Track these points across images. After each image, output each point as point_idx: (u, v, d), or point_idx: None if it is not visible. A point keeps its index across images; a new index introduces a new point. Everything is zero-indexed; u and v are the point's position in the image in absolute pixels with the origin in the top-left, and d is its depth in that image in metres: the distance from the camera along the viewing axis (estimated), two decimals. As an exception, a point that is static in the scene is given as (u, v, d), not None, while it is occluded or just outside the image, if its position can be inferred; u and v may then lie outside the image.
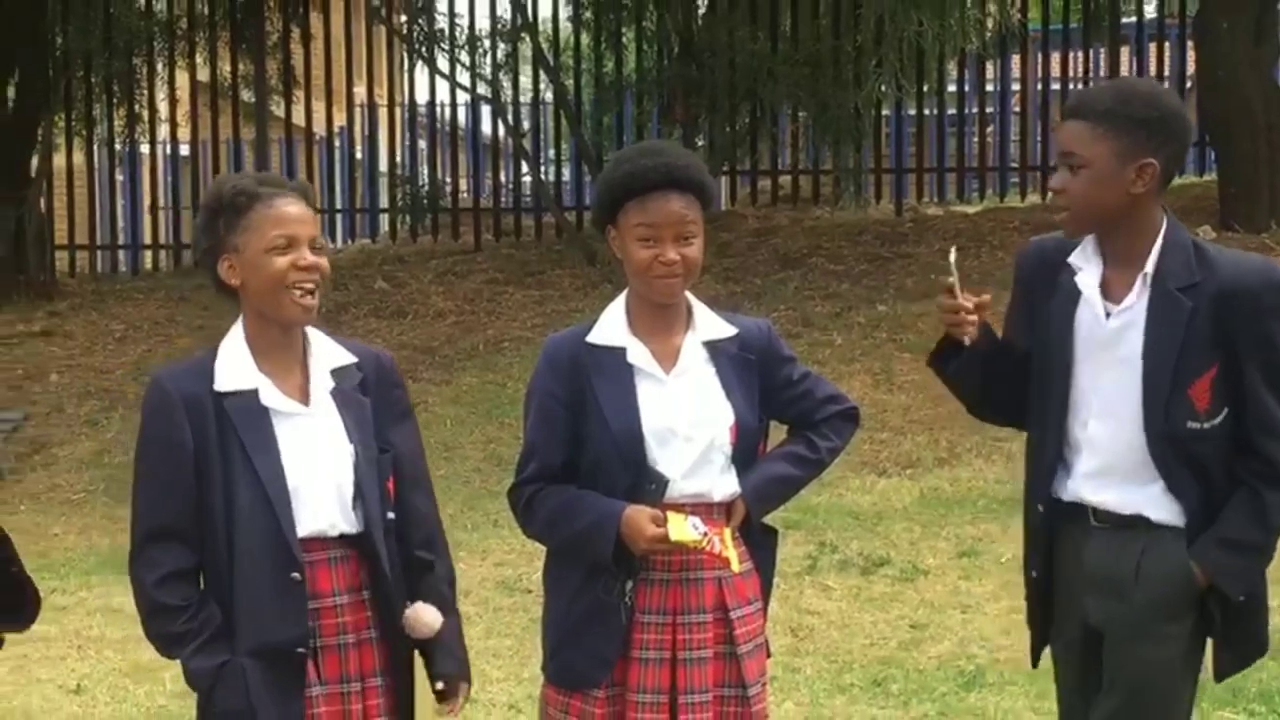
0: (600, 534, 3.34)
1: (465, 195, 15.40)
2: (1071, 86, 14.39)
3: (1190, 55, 13.95)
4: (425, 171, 16.03)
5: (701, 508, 3.39)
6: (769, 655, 3.59)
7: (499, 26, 14.56)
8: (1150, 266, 3.31)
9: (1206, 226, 12.20)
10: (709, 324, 3.49)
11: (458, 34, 14.66)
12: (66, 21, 14.40)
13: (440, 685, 3.27)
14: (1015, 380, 3.49)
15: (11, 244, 13.40)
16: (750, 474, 3.45)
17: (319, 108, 15.62)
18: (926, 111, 15.18)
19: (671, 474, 3.37)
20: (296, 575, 3.13)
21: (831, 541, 7.64)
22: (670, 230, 3.37)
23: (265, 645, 3.12)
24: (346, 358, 3.29)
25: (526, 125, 15.08)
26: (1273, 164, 12.24)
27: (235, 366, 3.19)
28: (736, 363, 3.47)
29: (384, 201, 15.85)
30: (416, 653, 3.29)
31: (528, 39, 14.52)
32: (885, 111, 14.70)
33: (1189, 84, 14.67)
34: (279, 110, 15.38)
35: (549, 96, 15.17)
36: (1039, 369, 3.44)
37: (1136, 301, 3.32)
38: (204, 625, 3.13)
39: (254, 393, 3.17)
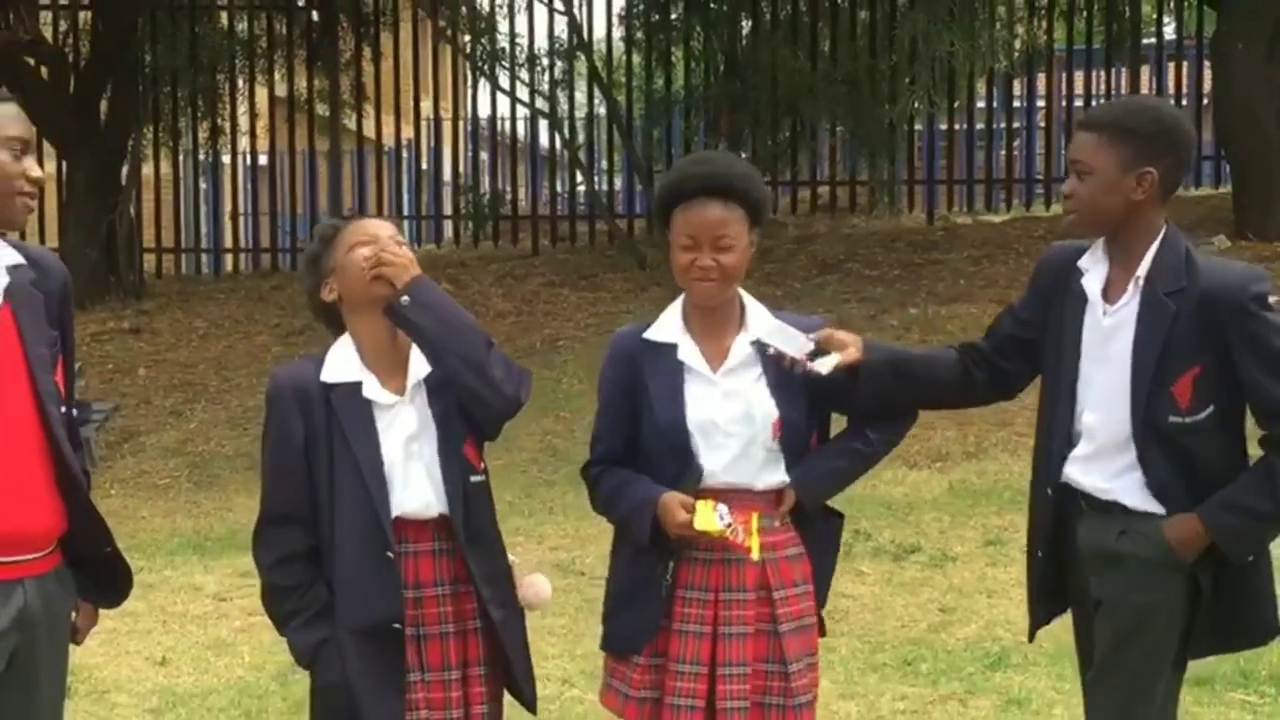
0: (640, 517, 3.38)
1: (524, 204, 15.42)
2: (1094, 103, 14.28)
3: (1207, 74, 13.84)
4: (487, 181, 16.09)
5: (744, 496, 3.39)
6: (822, 634, 3.60)
7: (556, 46, 14.62)
8: (1143, 270, 3.36)
9: (1222, 236, 12.12)
10: (761, 323, 3.48)
11: (518, 53, 14.69)
12: (155, 41, 14.51)
13: None
14: (940, 377, 3.59)
15: (103, 248, 13.50)
16: (802, 465, 3.45)
17: (388, 121, 15.66)
18: (957, 126, 15.12)
19: (711, 465, 3.39)
20: (390, 555, 3.16)
21: (865, 530, 7.61)
22: (707, 237, 3.37)
23: (363, 622, 3.15)
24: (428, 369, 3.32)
25: (581, 138, 15.10)
26: (1284, 177, 12.15)
27: (342, 364, 3.28)
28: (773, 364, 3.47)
29: (448, 209, 15.91)
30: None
31: (583, 58, 14.56)
32: (918, 126, 14.65)
33: (1205, 101, 14.56)
34: (351, 123, 15.46)
35: (602, 111, 15.17)
36: (1051, 364, 3.49)
37: (1129, 302, 3.37)
38: (310, 604, 3.18)
39: (357, 386, 3.24)
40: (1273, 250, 11.63)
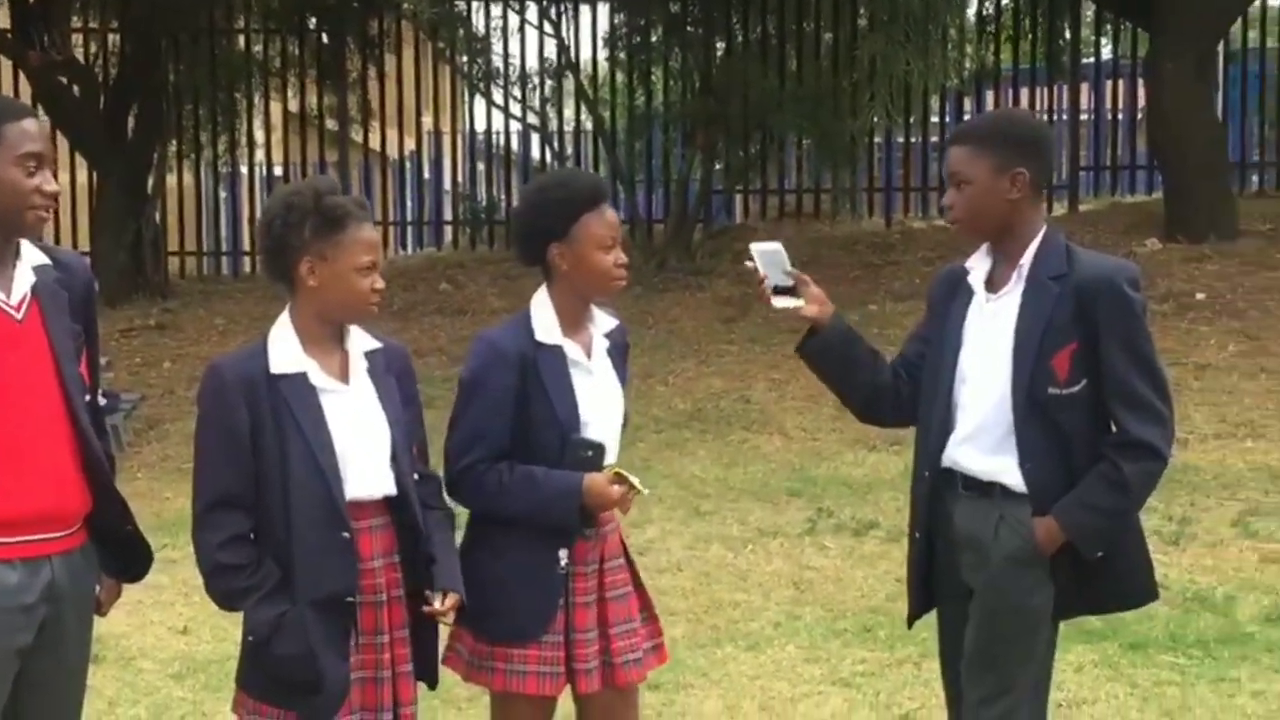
0: (567, 502, 3.34)
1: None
2: (1039, 118, 14.29)
3: (1141, 91, 13.87)
4: (483, 190, 16.04)
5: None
6: None
7: (546, 65, 14.57)
8: (1026, 260, 3.37)
9: (1154, 239, 12.15)
10: (602, 319, 3.54)
11: (511, 72, 14.67)
12: (178, 62, 14.43)
13: (440, 596, 3.24)
14: (879, 375, 3.54)
15: (131, 251, 13.43)
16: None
17: (392, 135, 15.61)
18: (912, 139, 15.11)
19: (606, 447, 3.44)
20: (345, 534, 3.12)
21: (829, 507, 7.62)
22: (619, 238, 3.45)
23: (321, 596, 3.10)
24: (375, 344, 3.29)
25: (569, 150, 15.07)
26: (1211, 185, 12.18)
27: (286, 353, 3.17)
28: (618, 350, 3.56)
29: (448, 215, 15.87)
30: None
31: (570, 76, 14.52)
32: (877, 139, 14.64)
33: (1139, 115, 14.58)
34: (358, 137, 15.41)
35: (588, 126, 15.13)
36: (935, 353, 3.47)
37: (1013, 289, 3.37)
38: (264, 580, 3.11)
39: (303, 375, 3.16)
40: (1200, 251, 11.66)
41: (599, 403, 3.45)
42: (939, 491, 3.44)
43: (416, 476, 3.28)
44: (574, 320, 3.47)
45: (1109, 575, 3.35)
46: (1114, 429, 3.32)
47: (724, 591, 6.52)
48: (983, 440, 3.35)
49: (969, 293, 3.44)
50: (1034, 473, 3.29)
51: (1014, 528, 3.30)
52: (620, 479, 3.37)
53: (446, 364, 10.45)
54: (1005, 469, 3.32)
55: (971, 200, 3.40)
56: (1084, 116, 14.91)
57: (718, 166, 13.87)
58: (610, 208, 3.47)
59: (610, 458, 3.46)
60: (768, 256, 3.48)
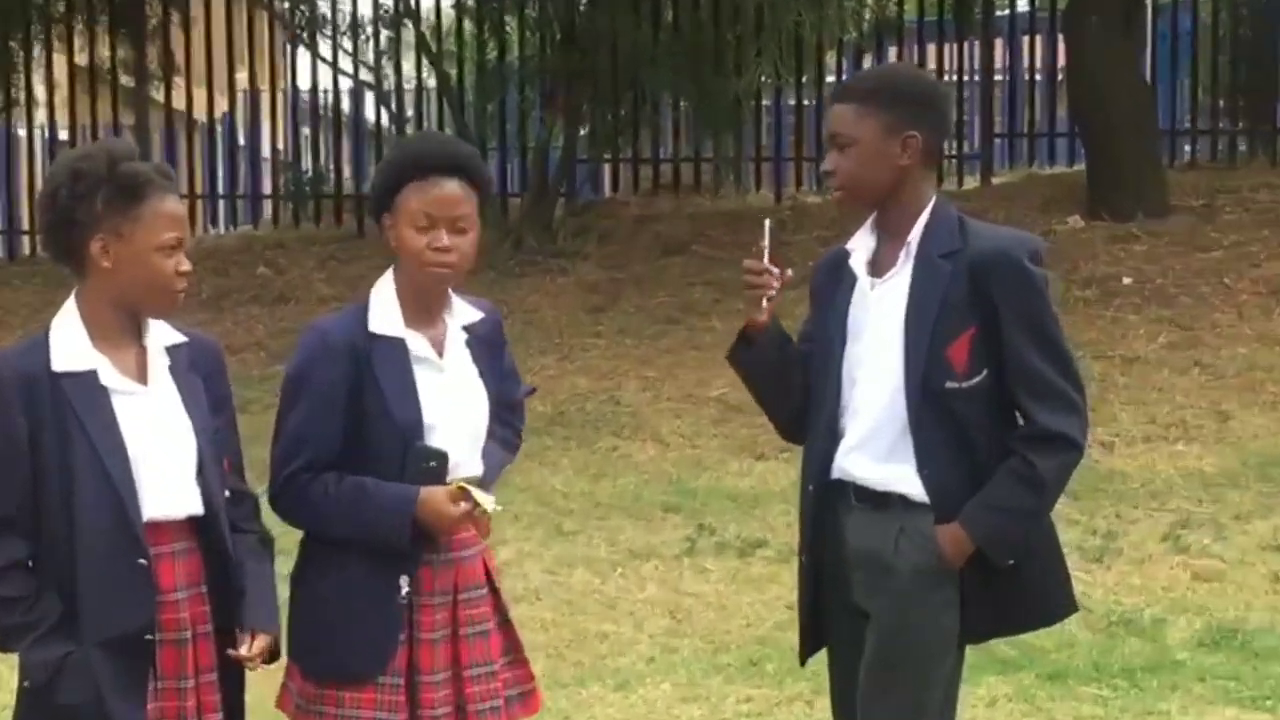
0: (397, 519, 3.32)
1: (348, 181, 15.27)
2: (947, 77, 14.53)
3: (1061, 49, 14.15)
4: (308, 158, 15.88)
5: (474, 485, 3.43)
6: None
7: (381, 13, 14.48)
8: (914, 236, 3.42)
9: (1075, 216, 12.41)
10: (463, 309, 3.54)
11: (340, 20, 14.55)
12: (-60, 5, 14.09)
13: (248, 637, 3.21)
14: (805, 389, 3.56)
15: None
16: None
17: (200, 94, 15.39)
18: (806, 101, 15.26)
19: (453, 456, 3.40)
20: (143, 561, 3.07)
21: (710, 524, 7.68)
22: (445, 217, 3.38)
23: (113, 634, 3.04)
24: (179, 337, 3.26)
25: (410, 113, 15.00)
26: (1138, 156, 12.45)
27: (71, 347, 3.12)
28: (483, 345, 3.55)
29: (267, 188, 15.68)
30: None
31: (410, 25, 14.44)
32: (765, 101, 14.77)
33: (1059, 76, 14.89)
34: (159, 96, 15.16)
35: (432, 84, 15.06)
36: (819, 351, 3.51)
37: (900, 270, 3.42)
38: (43, 616, 3.05)
39: (92, 373, 3.10)
40: (1127, 230, 11.93)
41: (449, 405, 3.44)
42: (828, 506, 3.48)
43: (228, 494, 3.25)
44: (422, 309, 3.46)
45: (1022, 587, 3.42)
46: (1021, 421, 3.40)
47: (590, 622, 6.55)
48: (875, 446, 3.40)
49: (852, 278, 3.48)
50: (934, 477, 3.36)
51: (916, 540, 3.36)
52: (464, 494, 3.37)
53: (265, 361, 10.35)
54: (902, 476, 3.38)
55: (856, 165, 3.44)
56: (998, 77, 15.18)
57: (582, 132, 13.90)
58: (446, 181, 3.40)
59: (470, 469, 3.45)
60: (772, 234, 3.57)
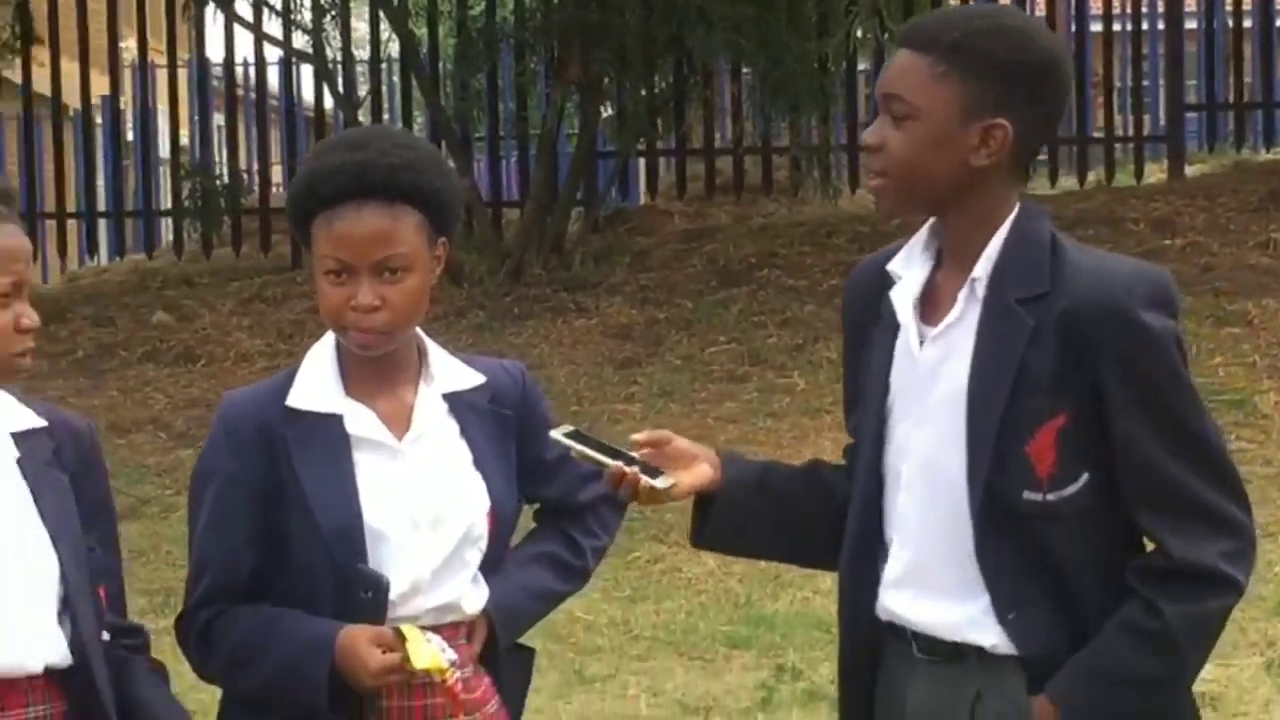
0: (309, 668, 3.32)
1: (278, 190, 15.34)
2: (1055, 38, 14.58)
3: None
4: (222, 159, 16.00)
5: (446, 628, 3.41)
6: None
7: (322, -46, 14.61)
8: (982, 270, 3.21)
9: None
10: (448, 371, 3.50)
11: (265, -35, 14.71)
12: None
13: None
14: (825, 516, 3.44)
15: None
16: (499, 581, 3.49)
17: (72, 70, 15.55)
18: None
19: (403, 582, 3.37)
20: None
21: (793, 664, 7.66)
22: (365, 260, 3.34)
23: None
24: (34, 420, 3.27)
25: (363, 93, 15.07)
26: None
27: None
28: (488, 421, 3.52)
29: (165, 201, 15.79)
30: None
31: (363, -29, 14.58)
32: (862, 67, 14.83)
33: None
34: (15, 75, 15.32)
35: (394, 52, 15.18)
36: (859, 431, 3.38)
37: (962, 318, 3.23)
38: None
39: None
40: None
41: (409, 507, 3.43)
42: (870, 655, 3.43)
43: (106, 636, 3.27)
44: (373, 372, 3.46)
45: None
46: (1147, 547, 3.30)
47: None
48: (932, 582, 3.29)
49: (893, 321, 3.29)
50: (1024, 625, 3.26)
51: (1001, 712, 3.29)
52: (399, 640, 3.32)
53: (165, 444, 10.41)
54: (975, 621, 3.29)
55: (911, 147, 3.20)
56: (1189, 26, 15.17)
57: (605, 114, 13.96)
58: (363, 208, 3.34)
59: (444, 598, 3.43)
60: (576, 439, 3.40)
